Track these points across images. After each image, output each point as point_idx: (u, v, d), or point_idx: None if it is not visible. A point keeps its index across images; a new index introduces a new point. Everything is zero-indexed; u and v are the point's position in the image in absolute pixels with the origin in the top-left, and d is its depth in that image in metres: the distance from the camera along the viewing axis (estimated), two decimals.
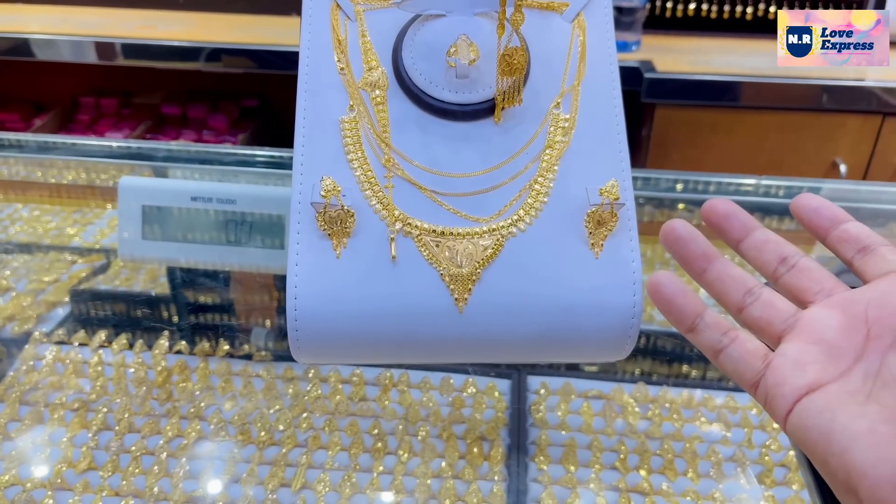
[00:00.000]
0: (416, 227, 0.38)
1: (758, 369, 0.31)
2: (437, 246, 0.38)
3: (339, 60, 0.41)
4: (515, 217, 0.39)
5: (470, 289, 0.37)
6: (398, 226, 0.38)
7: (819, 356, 0.30)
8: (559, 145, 0.40)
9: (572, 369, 0.62)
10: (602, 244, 0.38)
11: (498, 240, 0.38)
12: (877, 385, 0.28)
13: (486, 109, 0.40)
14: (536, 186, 0.39)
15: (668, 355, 0.65)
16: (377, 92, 0.40)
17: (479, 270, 0.37)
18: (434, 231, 0.38)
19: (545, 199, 0.39)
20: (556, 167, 0.40)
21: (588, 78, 0.42)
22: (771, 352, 0.31)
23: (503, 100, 0.39)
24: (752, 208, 0.79)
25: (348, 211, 0.38)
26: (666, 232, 0.35)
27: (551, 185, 0.39)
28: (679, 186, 0.82)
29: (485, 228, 0.38)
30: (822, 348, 0.30)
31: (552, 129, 0.41)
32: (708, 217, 0.35)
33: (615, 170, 0.40)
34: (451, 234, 0.38)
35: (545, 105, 0.41)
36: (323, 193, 0.37)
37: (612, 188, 0.38)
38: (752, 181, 0.81)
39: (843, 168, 1.31)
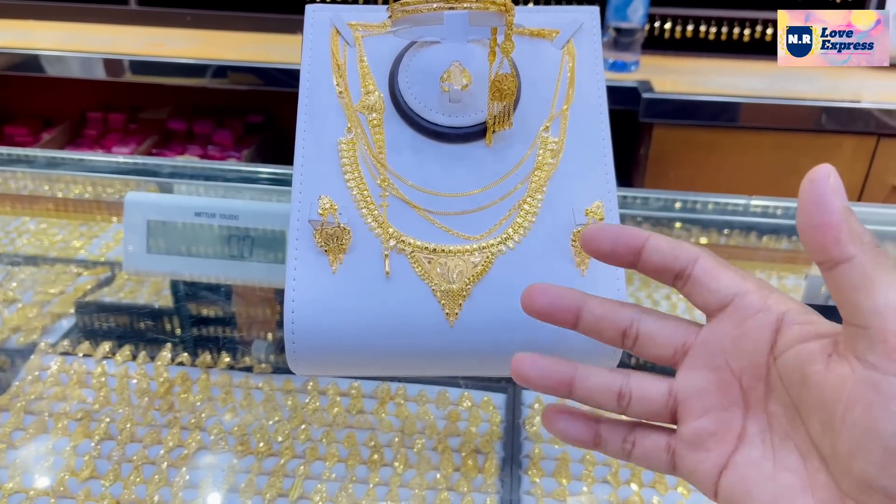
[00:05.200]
0: (410, 244, 0.40)
1: (666, 461, 0.31)
2: (429, 262, 0.39)
3: (337, 84, 0.43)
4: (505, 235, 0.40)
5: (460, 304, 0.39)
6: (392, 243, 0.40)
7: (710, 428, 0.29)
8: (548, 167, 0.42)
9: None
10: (588, 262, 0.40)
11: (488, 257, 0.40)
12: (775, 443, 0.28)
13: (477, 132, 0.42)
14: (525, 206, 0.41)
15: (658, 370, 0.66)
16: (374, 115, 0.42)
17: (469, 286, 0.39)
18: (426, 248, 0.39)
19: (533, 219, 0.41)
20: (544, 188, 0.41)
21: (576, 103, 0.44)
22: (671, 438, 0.31)
23: (494, 123, 0.41)
24: (748, 228, 0.81)
25: (344, 228, 0.39)
26: (517, 375, 0.32)
27: (539, 205, 0.41)
28: (677, 205, 0.83)
29: (475, 246, 0.40)
30: (710, 418, 0.30)
31: (541, 151, 0.42)
32: (530, 312, 0.33)
33: (601, 191, 0.42)
34: (443, 251, 0.39)
35: (535, 128, 0.43)
36: (320, 211, 0.39)
37: (597, 209, 0.40)
38: (748, 201, 0.82)
39: None
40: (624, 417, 0.32)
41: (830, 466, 0.26)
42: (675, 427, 0.31)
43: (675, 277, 0.31)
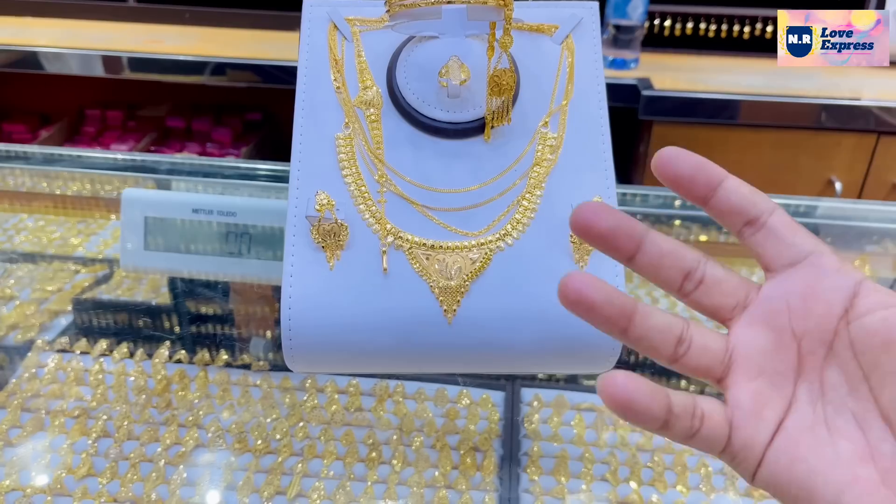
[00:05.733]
0: (408, 240, 0.39)
1: (725, 436, 0.28)
2: (427, 259, 0.39)
3: (335, 79, 0.43)
4: (503, 232, 0.40)
5: (459, 301, 0.38)
6: (390, 239, 0.39)
7: (765, 391, 0.28)
8: (547, 163, 0.42)
9: (565, 382, 0.63)
10: (587, 259, 0.40)
11: (486, 253, 0.39)
12: (828, 412, 0.27)
13: (476, 128, 0.42)
14: (524, 202, 0.41)
15: (658, 369, 0.66)
16: (372, 110, 0.42)
17: (467, 283, 0.39)
18: (425, 244, 0.39)
19: (532, 215, 0.40)
20: (543, 184, 0.41)
21: (576, 98, 0.43)
22: (727, 409, 0.28)
23: (493, 119, 0.41)
24: None
25: (342, 224, 0.39)
26: (573, 298, 0.28)
27: (539, 201, 0.41)
28: (677, 203, 0.83)
29: (473, 242, 0.40)
30: (766, 380, 0.28)
31: (540, 147, 0.42)
32: (585, 233, 0.29)
33: (600, 187, 0.41)
34: (441, 247, 0.39)
35: (534, 124, 0.43)
36: (317, 207, 0.39)
37: None
38: None
39: (838, 186, 1.32)
40: (685, 394, 0.28)
41: None
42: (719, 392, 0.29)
43: (747, 223, 0.29)
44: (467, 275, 0.39)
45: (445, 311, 0.38)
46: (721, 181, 0.28)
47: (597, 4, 0.46)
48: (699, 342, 0.28)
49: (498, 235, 0.40)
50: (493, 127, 0.41)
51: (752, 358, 0.28)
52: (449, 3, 0.38)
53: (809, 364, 0.28)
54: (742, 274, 0.29)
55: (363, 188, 0.40)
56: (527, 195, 0.41)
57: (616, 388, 0.26)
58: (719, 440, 0.28)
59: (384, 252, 0.39)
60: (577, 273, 0.28)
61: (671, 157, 0.29)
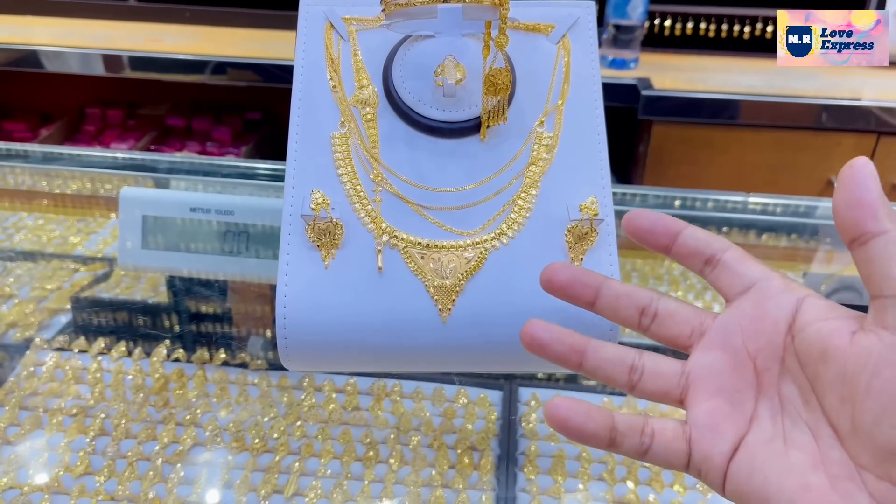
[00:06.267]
0: (403, 239, 0.39)
1: (684, 451, 0.30)
2: (422, 258, 0.39)
3: (331, 78, 0.43)
4: (499, 231, 0.40)
5: (454, 300, 0.38)
6: (385, 238, 0.39)
7: (723, 409, 0.30)
8: (542, 162, 0.42)
9: (563, 381, 0.63)
10: (582, 258, 0.40)
11: (481, 253, 0.39)
12: (786, 424, 0.29)
13: (472, 127, 0.42)
14: (519, 202, 0.41)
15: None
16: (367, 109, 0.42)
17: (462, 282, 0.39)
18: (420, 243, 0.39)
19: (527, 214, 0.40)
20: (539, 183, 0.41)
21: (572, 98, 0.43)
22: (685, 426, 0.31)
23: (488, 118, 0.41)
24: (746, 226, 0.80)
25: (337, 223, 0.39)
26: (526, 340, 0.32)
27: (534, 200, 0.41)
28: (676, 203, 0.83)
29: (469, 241, 0.40)
30: (724, 398, 0.30)
31: (536, 146, 0.42)
32: (550, 288, 0.33)
33: (596, 187, 0.41)
34: (437, 246, 0.39)
35: (530, 123, 0.42)
36: (313, 206, 0.39)
37: (591, 204, 0.40)
38: (746, 198, 0.82)
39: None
40: (633, 415, 0.31)
41: (848, 441, 0.27)
42: (682, 413, 0.31)
43: (706, 263, 0.32)
44: (462, 274, 0.39)
45: (440, 310, 0.38)
46: (680, 231, 0.32)
47: (593, 4, 0.46)
48: (652, 369, 0.31)
49: (493, 234, 0.40)
50: (488, 126, 0.41)
51: (708, 379, 0.30)
52: (444, 2, 0.38)
53: (766, 380, 0.30)
54: (780, 272, 0.32)
55: (358, 187, 0.40)
56: (522, 194, 0.41)
57: (557, 410, 0.30)
58: (677, 456, 0.30)
59: (379, 251, 0.39)
60: (533, 321, 0.32)
61: (633, 217, 0.33)
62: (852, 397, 0.26)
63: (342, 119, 0.42)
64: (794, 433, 0.28)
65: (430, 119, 0.41)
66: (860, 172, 0.28)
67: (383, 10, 0.41)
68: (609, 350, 0.32)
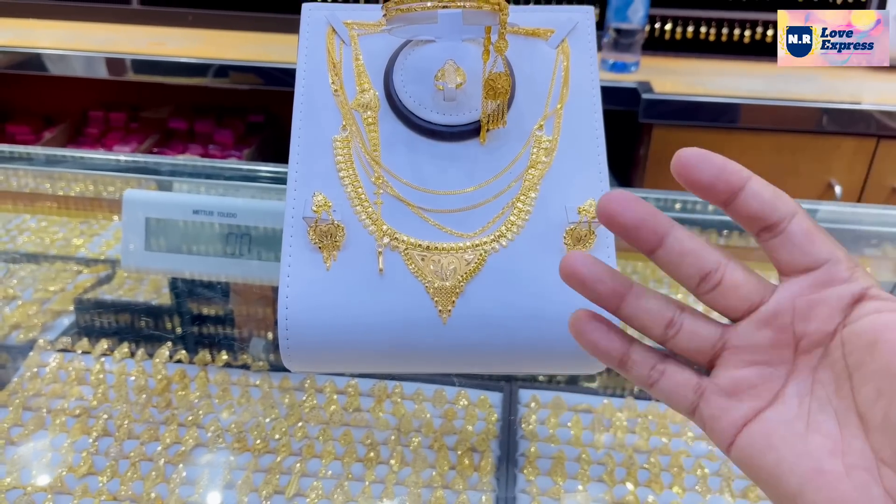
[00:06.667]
0: (403, 241, 0.40)
1: (691, 400, 0.30)
2: (422, 260, 0.39)
3: (333, 82, 0.43)
4: (498, 233, 0.40)
5: (454, 301, 0.39)
6: (386, 240, 0.40)
7: (751, 380, 0.29)
8: (541, 165, 0.42)
9: (562, 383, 0.64)
10: None
11: (481, 255, 0.40)
12: (812, 408, 0.28)
13: (472, 130, 0.42)
14: (519, 205, 0.41)
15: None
16: (369, 113, 0.42)
17: (462, 284, 0.39)
18: (420, 245, 0.40)
19: (526, 217, 0.41)
20: (538, 186, 0.42)
21: (571, 102, 0.44)
22: (703, 380, 0.31)
23: (488, 122, 0.41)
24: None
25: (338, 225, 0.39)
26: (568, 272, 0.31)
27: (533, 203, 0.41)
28: (677, 206, 0.84)
29: (468, 244, 0.40)
30: (753, 371, 0.29)
31: (535, 149, 0.42)
32: (611, 222, 0.30)
33: (594, 190, 0.42)
34: (437, 248, 0.40)
35: (529, 127, 0.43)
36: (314, 208, 0.39)
37: (590, 207, 0.40)
38: None
39: (838, 189, 1.32)
40: (656, 347, 0.31)
41: (875, 433, 0.26)
42: (706, 373, 0.31)
43: (766, 228, 0.29)
44: (462, 275, 0.39)
45: (440, 311, 0.39)
46: (743, 185, 0.29)
47: (592, 9, 0.46)
48: (689, 328, 0.30)
49: (493, 237, 0.40)
50: (488, 130, 0.42)
51: (744, 351, 0.29)
52: (445, 7, 0.38)
53: (803, 362, 0.29)
54: (843, 248, 0.30)
55: (360, 190, 0.41)
56: (521, 197, 0.41)
57: (585, 324, 0.31)
58: (681, 402, 0.31)
59: (380, 253, 0.39)
60: (576, 253, 0.31)
61: (692, 163, 0.29)
62: (891, 391, 0.26)
63: (344, 122, 0.42)
64: (820, 417, 0.28)
65: (431, 122, 0.42)
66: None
67: (384, 15, 0.41)
68: (651, 300, 0.31)
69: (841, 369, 0.28)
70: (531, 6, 0.46)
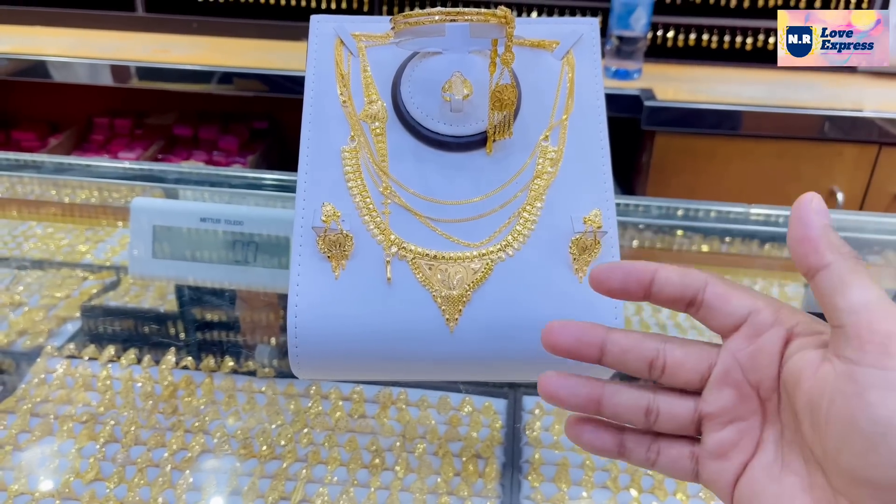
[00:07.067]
0: (411, 250, 0.40)
1: (690, 469, 0.33)
2: (430, 269, 0.40)
3: (341, 93, 0.44)
4: (504, 243, 0.41)
5: (460, 309, 0.39)
6: (394, 249, 0.40)
7: (732, 438, 0.31)
8: (547, 176, 0.43)
9: None
10: (586, 269, 0.41)
11: (487, 264, 0.40)
12: (784, 449, 0.30)
13: (478, 141, 0.43)
14: (525, 214, 0.42)
15: None
16: (377, 124, 0.43)
17: (469, 292, 0.40)
18: (427, 255, 0.40)
19: (532, 227, 0.41)
20: (543, 196, 0.42)
21: (576, 112, 0.44)
22: (696, 447, 0.33)
23: (494, 132, 0.42)
24: (749, 236, 0.81)
25: (347, 235, 0.40)
26: (547, 396, 0.33)
27: (539, 213, 0.42)
28: (679, 213, 0.84)
29: (475, 253, 0.40)
30: (732, 429, 0.31)
31: (541, 160, 0.43)
32: (553, 350, 0.33)
33: (599, 199, 0.42)
34: (444, 257, 0.40)
35: (535, 137, 0.43)
36: (323, 218, 0.40)
37: (595, 217, 0.41)
38: (748, 209, 0.83)
39: (840, 197, 1.32)
40: (642, 432, 0.33)
41: (822, 466, 0.28)
42: (697, 437, 0.33)
43: (688, 305, 0.32)
44: (469, 284, 0.40)
45: (448, 319, 0.39)
46: (651, 277, 0.32)
47: (597, 21, 0.47)
48: (666, 410, 0.33)
49: (499, 246, 0.41)
50: (494, 140, 0.42)
51: (718, 413, 0.32)
52: (452, 20, 0.39)
53: (770, 408, 0.31)
54: (762, 294, 0.32)
55: (368, 200, 0.41)
56: (527, 207, 0.42)
57: (578, 428, 0.34)
58: (684, 474, 0.33)
59: (388, 262, 0.40)
60: (549, 373, 0.33)
61: (601, 276, 0.32)
62: (818, 424, 0.27)
63: (352, 133, 0.43)
64: (790, 457, 0.30)
65: (438, 133, 0.42)
66: (804, 209, 0.29)
67: (392, 27, 0.42)
68: (624, 395, 0.33)
69: (792, 409, 0.30)
70: (537, 18, 0.47)
